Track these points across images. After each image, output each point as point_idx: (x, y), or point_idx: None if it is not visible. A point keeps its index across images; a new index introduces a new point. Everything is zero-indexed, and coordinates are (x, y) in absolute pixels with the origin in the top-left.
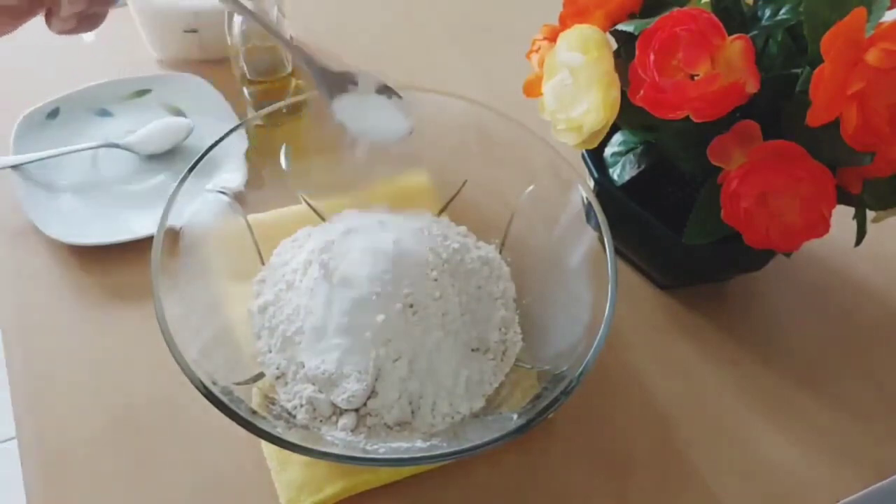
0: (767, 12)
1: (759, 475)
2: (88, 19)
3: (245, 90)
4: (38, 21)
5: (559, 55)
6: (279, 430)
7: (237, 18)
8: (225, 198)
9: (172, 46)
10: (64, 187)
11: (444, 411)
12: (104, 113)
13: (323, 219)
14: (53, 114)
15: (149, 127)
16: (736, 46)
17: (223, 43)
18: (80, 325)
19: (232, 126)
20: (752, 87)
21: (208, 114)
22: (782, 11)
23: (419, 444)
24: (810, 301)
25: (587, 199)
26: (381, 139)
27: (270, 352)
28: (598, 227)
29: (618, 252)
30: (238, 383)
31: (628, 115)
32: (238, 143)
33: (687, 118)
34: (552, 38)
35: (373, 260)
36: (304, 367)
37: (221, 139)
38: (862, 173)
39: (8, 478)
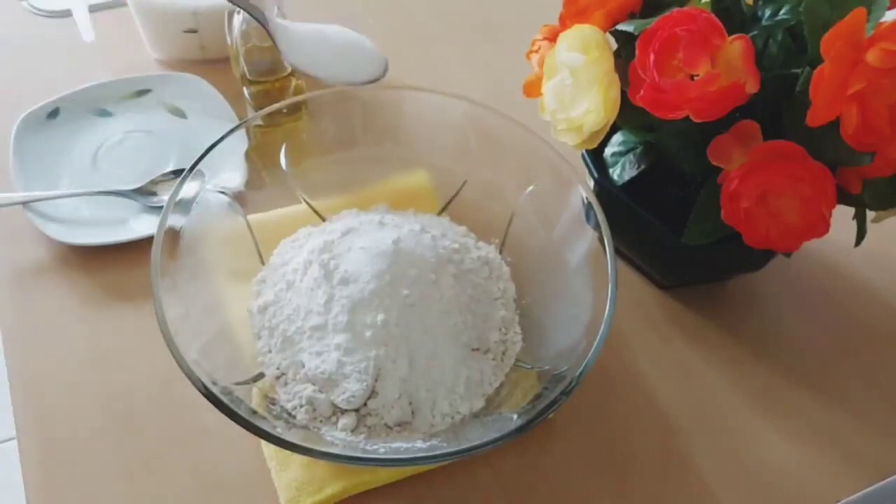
0: (767, 12)
1: (759, 475)
2: None
3: (245, 90)
4: (38, 21)
5: (559, 55)
6: (279, 430)
7: (237, 18)
8: (225, 198)
9: (172, 46)
10: (64, 187)
11: (444, 411)
12: (104, 113)
13: (323, 219)
14: (53, 114)
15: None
16: (736, 46)
17: (223, 43)
18: (79, 325)
19: (232, 126)
20: (752, 87)
21: (208, 114)
22: (782, 11)
23: (419, 444)
24: (810, 301)
25: (587, 199)
26: (350, 78)
27: (270, 352)
28: (598, 227)
29: (618, 252)
30: (238, 383)
31: (628, 115)
32: (238, 143)
33: (687, 118)
34: (552, 38)
35: (373, 260)
36: (304, 367)
37: (221, 139)
38: (862, 173)
39: (8, 478)
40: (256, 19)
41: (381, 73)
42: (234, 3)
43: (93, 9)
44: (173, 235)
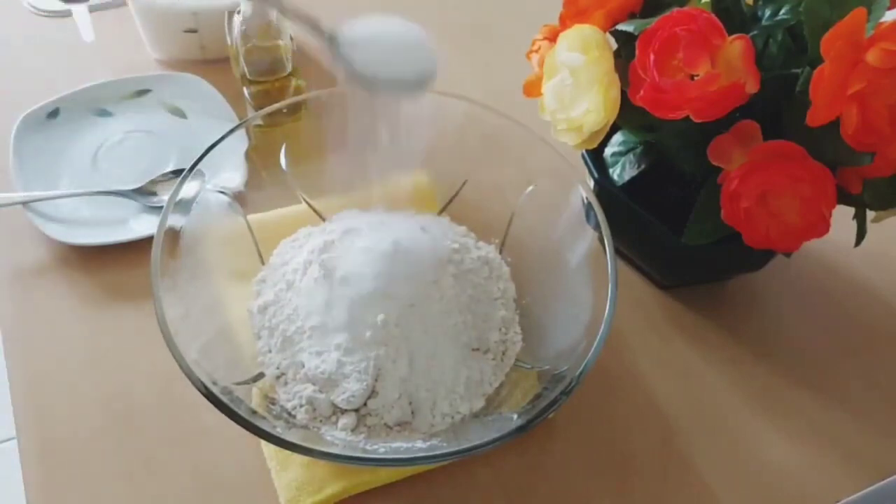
0: (767, 12)
1: (759, 475)
2: None
3: (245, 90)
4: (38, 21)
5: (559, 55)
6: (279, 430)
7: (237, 18)
8: (225, 198)
9: (172, 46)
10: (64, 187)
11: (444, 411)
12: (104, 113)
13: (323, 219)
14: (53, 114)
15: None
16: (736, 46)
17: (223, 43)
18: (80, 325)
19: (232, 126)
20: (752, 87)
21: (208, 114)
22: (782, 11)
23: (419, 444)
24: (810, 301)
25: (587, 199)
26: (403, 79)
27: (270, 352)
28: (598, 227)
29: (618, 252)
30: (238, 383)
31: (628, 115)
32: (238, 143)
33: (687, 118)
34: (552, 38)
35: (373, 260)
36: (304, 367)
37: (221, 139)
38: (862, 173)
39: (8, 478)
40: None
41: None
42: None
43: (93, 9)
44: (173, 235)
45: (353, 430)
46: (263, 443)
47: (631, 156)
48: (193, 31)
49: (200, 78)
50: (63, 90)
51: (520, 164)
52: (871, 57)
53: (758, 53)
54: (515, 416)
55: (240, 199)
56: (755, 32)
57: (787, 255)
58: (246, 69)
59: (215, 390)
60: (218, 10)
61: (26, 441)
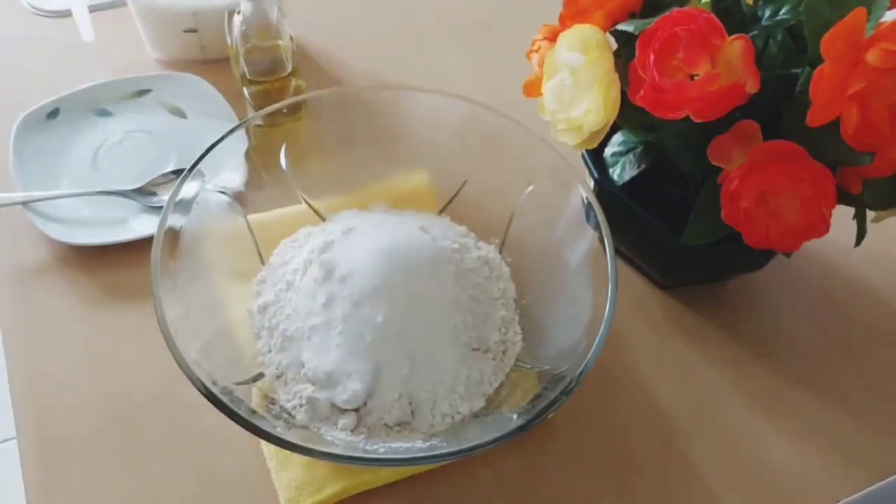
0: (767, 12)
1: (759, 475)
2: None
3: (245, 90)
4: (38, 21)
5: (559, 55)
6: (279, 430)
7: (237, 18)
8: (225, 198)
9: (172, 46)
10: (64, 187)
11: (444, 411)
12: (104, 113)
13: (323, 219)
14: (53, 114)
15: None
16: (736, 46)
17: (223, 43)
18: (80, 325)
19: (232, 126)
20: (752, 87)
21: (208, 114)
22: (782, 11)
23: (419, 444)
24: (810, 301)
25: (587, 199)
26: None
27: (270, 352)
28: (598, 227)
29: (618, 252)
30: (238, 383)
31: (628, 115)
32: (238, 143)
33: (687, 118)
34: (552, 38)
35: (372, 260)
36: (303, 366)
37: (221, 139)
38: (862, 173)
39: (8, 478)
40: None
41: None
42: None
43: (93, 9)
44: (173, 235)
45: (353, 430)
46: (263, 443)
47: (631, 156)
48: (193, 31)
49: (200, 78)
50: (63, 90)
51: (520, 164)
52: (871, 57)
53: (758, 53)
54: (515, 416)
55: (240, 199)
56: (755, 32)
57: (787, 255)
58: (246, 69)
59: (215, 390)
60: (218, 10)
61: (26, 441)
